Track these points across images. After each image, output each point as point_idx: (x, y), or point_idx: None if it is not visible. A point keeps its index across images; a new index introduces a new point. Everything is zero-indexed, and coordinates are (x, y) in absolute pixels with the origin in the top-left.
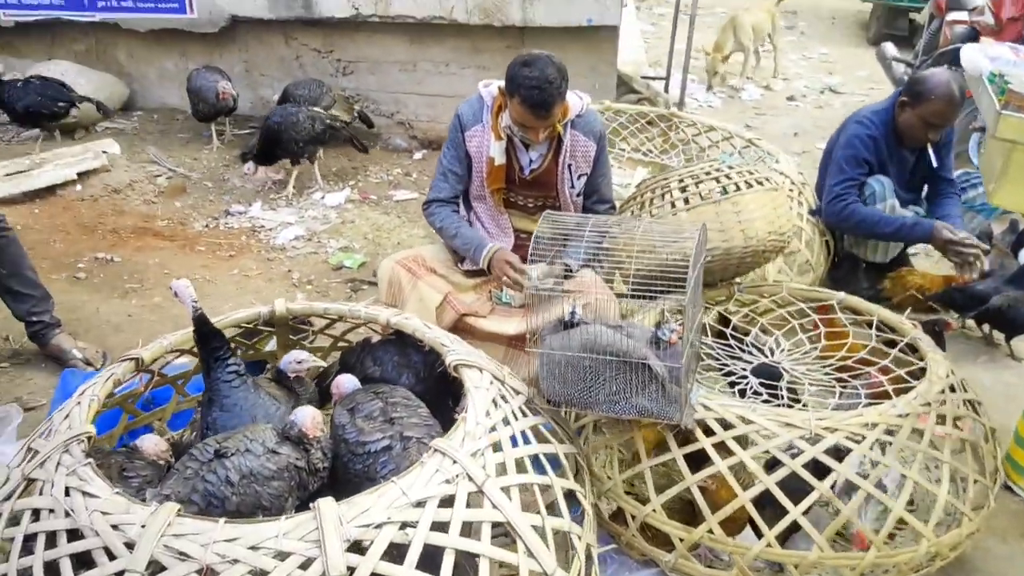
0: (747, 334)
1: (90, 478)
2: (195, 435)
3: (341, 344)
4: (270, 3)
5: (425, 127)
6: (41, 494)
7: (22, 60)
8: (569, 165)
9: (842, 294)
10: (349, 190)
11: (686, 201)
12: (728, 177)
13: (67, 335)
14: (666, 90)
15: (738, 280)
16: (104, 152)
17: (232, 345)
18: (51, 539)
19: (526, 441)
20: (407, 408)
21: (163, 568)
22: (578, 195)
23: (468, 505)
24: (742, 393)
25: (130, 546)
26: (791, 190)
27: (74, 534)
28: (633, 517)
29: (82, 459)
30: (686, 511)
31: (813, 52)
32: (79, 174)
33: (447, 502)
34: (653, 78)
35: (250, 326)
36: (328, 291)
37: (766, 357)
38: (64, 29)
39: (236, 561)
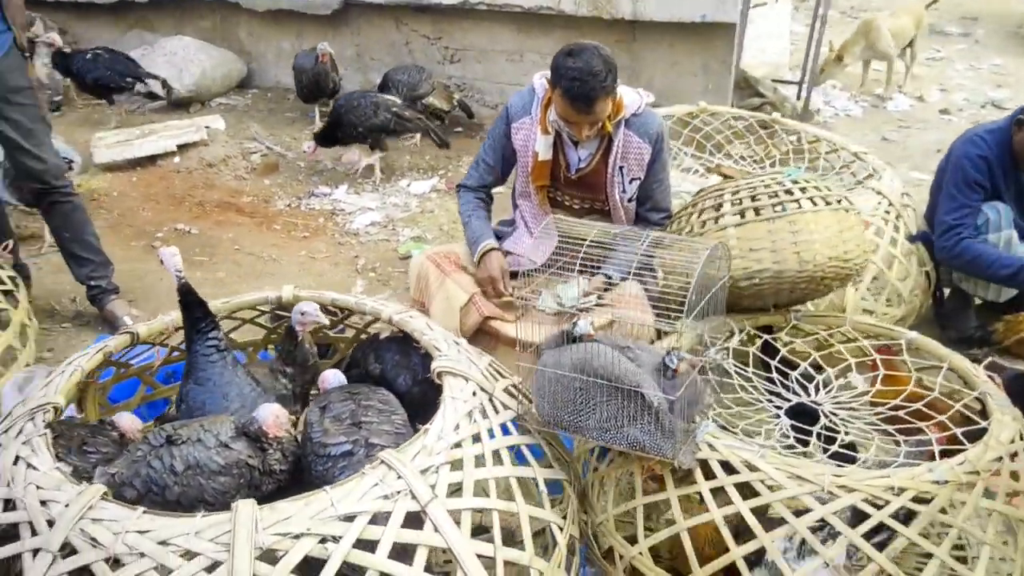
0: (795, 367)
1: (39, 450)
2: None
3: (364, 336)
4: None
5: None
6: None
7: (154, 34)
8: (621, 167)
9: (913, 334)
10: (437, 179)
11: (741, 215)
12: (790, 193)
13: (122, 302)
14: (798, 96)
15: (798, 308)
16: (207, 127)
17: (215, 320)
18: None
19: (499, 461)
20: (380, 414)
21: (75, 551)
22: (630, 200)
23: (407, 525)
24: (772, 434)
25: (51, 524)
26: (887, 212)
27: (9, 504)
28: (621, 557)
29: (40, 429)
30: (683, 555)
31: (984, 63)
32: (179, 146)
33: (382, 519)
34: (787, 82)
35: (264, 310)
36: (390, 280)
37: (808, 396)
38: (192, 6)
39: (143, 555)
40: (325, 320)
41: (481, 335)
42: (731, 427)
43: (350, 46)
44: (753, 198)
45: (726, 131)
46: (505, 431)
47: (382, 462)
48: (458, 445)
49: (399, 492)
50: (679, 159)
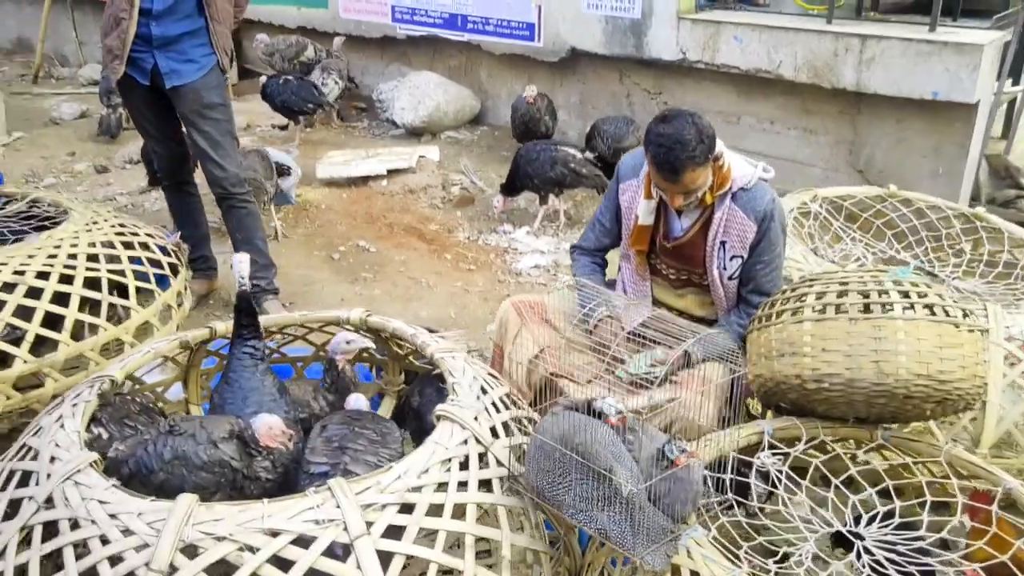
0: (856, 491)
1: (76, 414)
2: None
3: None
4: (606, 39)
5: None
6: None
7: (411, 68)
8: (723, 242)
9: (1015, 483)
10: None
11: (823, 310)
12: (886, 293)
13: (277, 302)
14: None
15: (890, 426)
16: (422, 156)
17: (258, 329)
18: (21, 453)
19: (460, 515)
20: (371, 444)
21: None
22: (731, 278)
23: (331, 555)
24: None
25: (49, 477)
26: None
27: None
28: None
29: (87, 396)
30: None
31: None
32: (388, 171)
33: (305, 543)
34: None
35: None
36: None
37: (855, 526)
38: (443, 46)
39: (94, 522)
40: (370, 343)
41: (551, 392)
42: (747, 539)
43: (575, 93)
44: (841, 294)
45: (915, 220)
46: (488, 488)
47: (328, 488)
48: (416, 489)
49: (331, 520)
50: (849, 246)
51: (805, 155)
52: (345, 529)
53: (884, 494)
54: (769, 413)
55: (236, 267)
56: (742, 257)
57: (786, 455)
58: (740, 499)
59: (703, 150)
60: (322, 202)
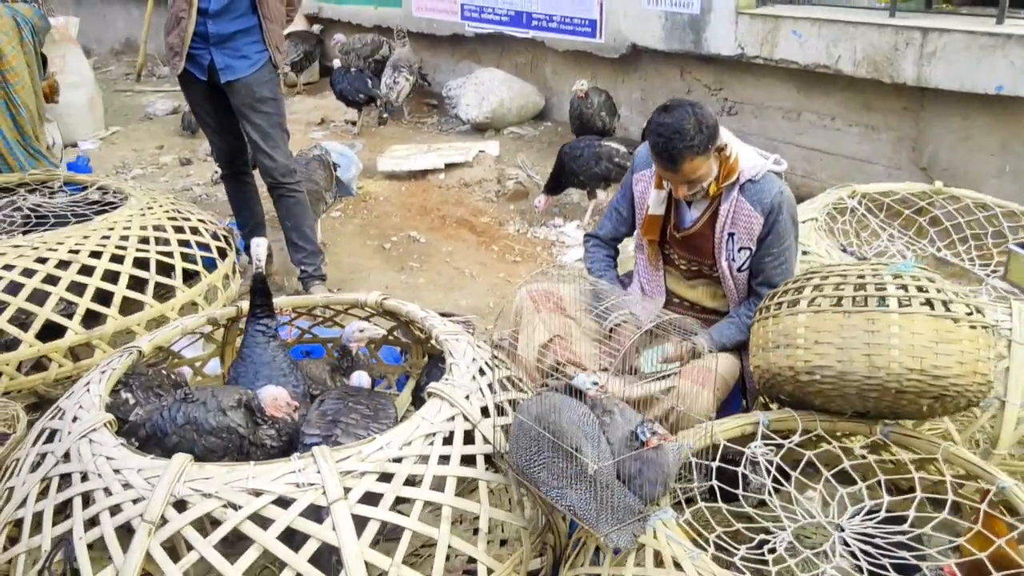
0: (850, 484)
1: (102, 380)
2: None
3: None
4: (665, 35)
5: (798, 181)
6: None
7: (480, 65)
8: (731, 234)
9: (1009, 482)
10: None
11: (817, 303)
12: (883, 287)
13: (324, 288)
14: None
15: (893, 421)
16: (481, 151)
17: (271, 309)
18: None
19: (439, 487)
20: (363, 418)
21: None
22: (740, 270)
23: (309, 516)
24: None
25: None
26: None
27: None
28: None
29: (114, 367)
30: None
31: None
32: (446, 164)
33: (284, 504)
34: None
35: (343, 309)
36: None
37: (834, 518)
38: (511, 43)
39: (100, 476)
40: (382, 331)
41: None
42: (723, 525)
43: (636, 90)
44: (838, 287)
45: (961, 218)
46: (471, 464)
47: (311, 455)
48: (397, 460)
49: (311, 484)
50: (885, 243)
51: (867, 152)
52: (323, 493)
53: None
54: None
55: (253, 250)
56: (750, 249)
57: (779, 446)
58: (728, 488)
59: (702, 140)
60: (381, 194)
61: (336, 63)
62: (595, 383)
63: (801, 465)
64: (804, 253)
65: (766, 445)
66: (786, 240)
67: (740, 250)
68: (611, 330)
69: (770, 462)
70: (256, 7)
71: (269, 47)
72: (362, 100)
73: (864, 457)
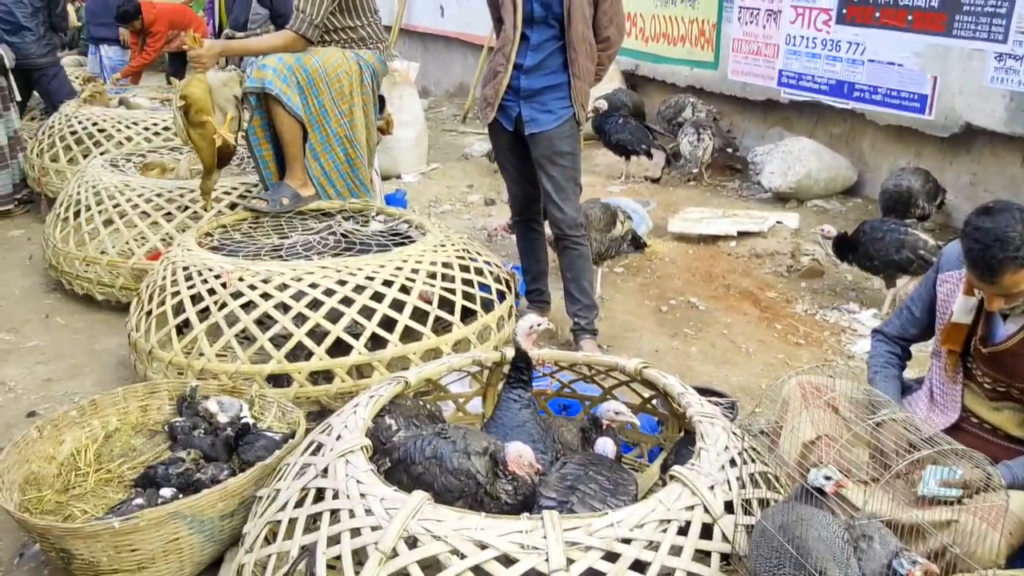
0: None
1: (364, 405)
2: None
3: None
4: (1008, 116)
5: None
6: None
7: (791, 133)
8: None
9: None
10: None
11: None
12: None
13: (594, 343)
14: None
15: None
16: (778, 222)
17: (525, 381)
18: (324, 428)
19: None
20: (602, 490)
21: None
22: None
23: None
24: None
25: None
26: None
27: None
28: None
29: (381, 393)
30: None
31: None
32: (739, 232)
33: (507, 562)
34: None
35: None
36: None
37: None
38: (826, 113)
39: (348, 497)
40: (635, 420)
41: None
42: None
43: (966, 173)
44: None
45: None
46: (705, 560)
47: (541, 518)
48: (626, 541)
49: (535, 548)
50: None
51: None
52: (547, 560)
53: None
54: None
55: (520, 325)
56: None
57: None
58: None
59: None
60: (667, 255)
61: (599, 109)
62: (828, 477)
63: None
64: None
65: None
66: None
67: None
68: (877, 427)
69: None
70: (567, 66)
71: (575, 104)
72: (643, 151)
73: None
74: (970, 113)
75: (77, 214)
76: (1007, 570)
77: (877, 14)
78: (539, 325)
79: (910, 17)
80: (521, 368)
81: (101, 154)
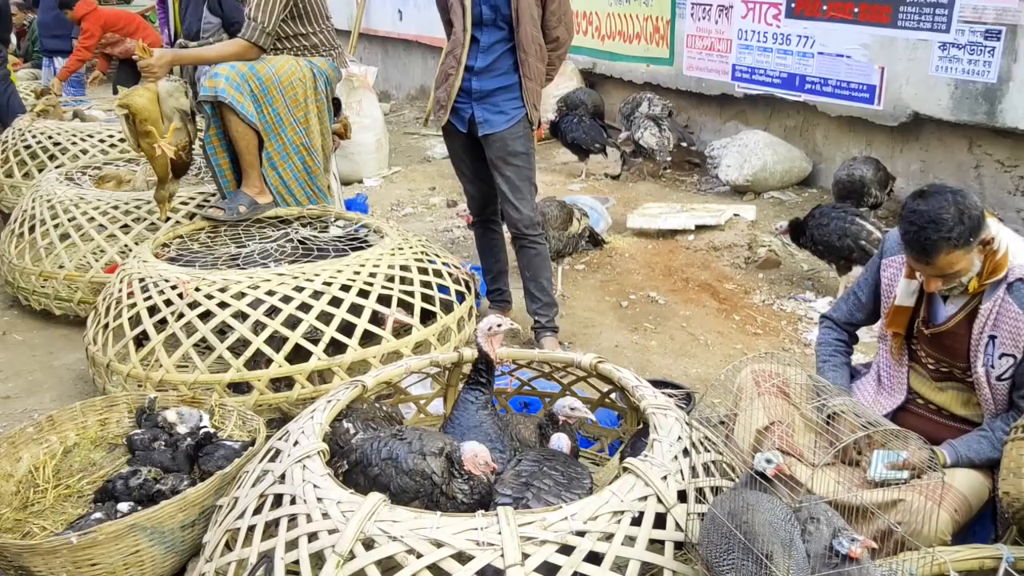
0: None
1: (321, 410)
2: None
3: None
4: (953, 104)
5: None
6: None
7: (747, 127)
8: (992, 337)
9: None
10: None
11: None
12: None
13: (554, 340)
14: None
15: None
16: (735, 215)
17: (484, 382)
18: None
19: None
20: (556, 485)
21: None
22: (1000, 379)
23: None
24: None
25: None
26: None
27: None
28: None
29: (338, 398)
30: None
31: None
32: (696, 226)
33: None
34: None
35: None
36: None
37: None
38: (780, 106)
39: (305, 502)
40: (591, 417)
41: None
42: None
43: (915, 161)
44: None
45: None
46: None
47: (495, 514)
48: (580, 534)
49: (491, 544)
50: None
51: None
52: (502, 555)
53: None
54: None
55: (480, 326)
56: (1014, 357)
57: None
58: None
59: (962, 232)
60: (627, 251)
61: (552, 115)
62: (769, 460)
63: None
64: None
65: None
66: None
67: (1002, 356)
68: (830, 418)
69: None
70: (518, 67)
71: (526, 104)
72: (597, 149)
73: None
74: (917, 102)
75: (32, 229)
76: (948, 547)
77: (824, 7)
78: (499, 326)
79: (856, 9)
80: (481, 369)
81: (56, 168)
